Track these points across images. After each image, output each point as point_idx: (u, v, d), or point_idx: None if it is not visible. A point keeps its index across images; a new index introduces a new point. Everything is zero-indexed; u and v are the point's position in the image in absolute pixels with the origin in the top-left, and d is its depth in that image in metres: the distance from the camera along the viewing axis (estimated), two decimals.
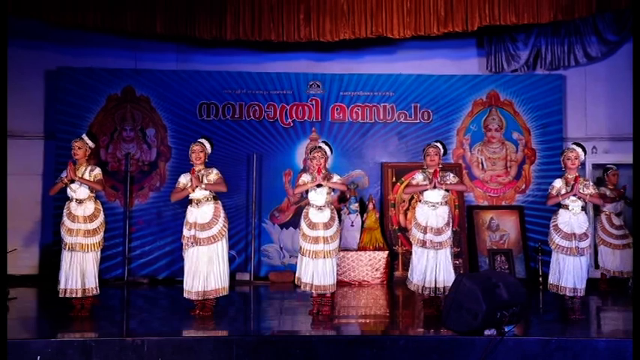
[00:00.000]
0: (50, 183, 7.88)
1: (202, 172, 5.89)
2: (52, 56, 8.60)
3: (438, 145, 6.08)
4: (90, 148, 5.99)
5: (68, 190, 5.82)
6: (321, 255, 5.80)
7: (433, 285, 5.83)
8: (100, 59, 8.65)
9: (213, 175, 5.89)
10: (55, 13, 7.46)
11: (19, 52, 8.49)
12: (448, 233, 5.90)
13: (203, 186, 5.80)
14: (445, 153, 6.17)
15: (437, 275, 5.84)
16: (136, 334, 5.06)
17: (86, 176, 5.82)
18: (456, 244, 7.95)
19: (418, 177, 6.04)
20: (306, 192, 5.96)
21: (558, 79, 8.80)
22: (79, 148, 5.88)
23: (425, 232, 5.87)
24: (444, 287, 5.78)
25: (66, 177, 5.79)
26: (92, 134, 6.25)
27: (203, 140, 5.99)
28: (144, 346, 4.69)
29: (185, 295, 5.82)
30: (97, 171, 5.89)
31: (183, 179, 5.91)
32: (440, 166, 6.00)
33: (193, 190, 5.80)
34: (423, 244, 5.87)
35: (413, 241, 6.01)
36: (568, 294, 5.74)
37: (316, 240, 5.81)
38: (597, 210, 7.86)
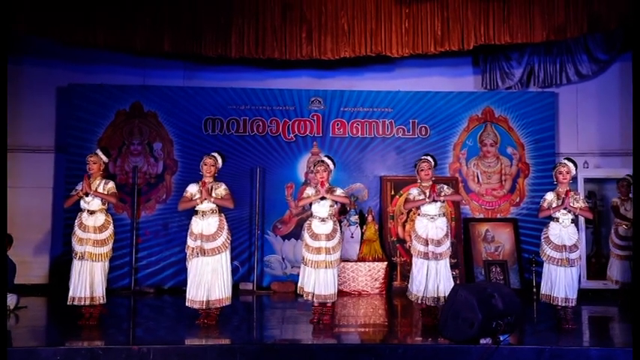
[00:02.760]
0: (61, 196, 8.07)
1: (212, 184, 5.98)
2: (64, 73, 8.73)
3: (429, 158, 6.13)
4: (104, 162, 6.12)
5: (81, 201, 5.95)
6: (323, 265, 5.90)
7: (435, 295, 5.88)
8: (109, 76, 8.77)
9: (222, 190, 5.98)
10: (66, 33, 7.62)
11: (32, 70, 8.72)
12: (447, 244, 5.99)
13: (212, 199, 5.90)
14: (436, 165, 6.22)
15: (438, 285, 5.89)
16: (142, 342, 5.13)
17: (100, 189, 5.96)
18: (453, 255, 7.89)
19: (413, 192, 6.11)
20: (309, 204, 6.08)
21: (551, 96, 8.93)
22: (94, 163, 6.01)
23: (426, 244, 5.93)
24: (445, 297, 5.79)
25: (81, 190, 5.92)
26: (106, 149, 6.37)
27: (216, 154, 6.08)
28: (150, 354, 4.80)
29: (188, 303, 5.90)
30: (111, 185, 6.04)
31: (192, 189, 5.99)
32: (433, 179, 6.08)
33: (201, 202, 5.90)
34: (425, 255, 5.93)
35: (414, 253, 6.04)
36: (560, 304, 5.83)
37: (318, 250, 5.91)
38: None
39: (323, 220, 5.97)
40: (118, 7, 7.67)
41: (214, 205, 5.94)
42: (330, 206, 6.01)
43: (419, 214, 6.12)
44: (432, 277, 5.91)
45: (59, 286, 7.38)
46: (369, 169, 8.85)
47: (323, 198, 5.94)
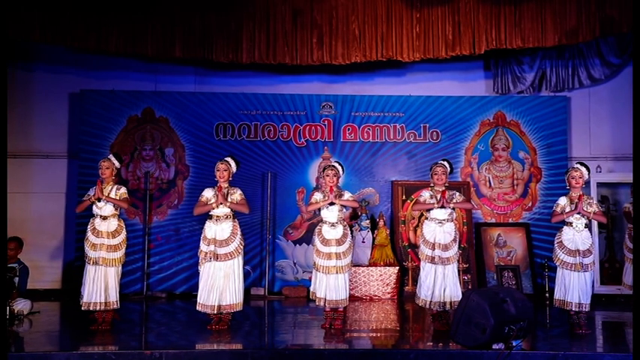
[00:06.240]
0: (73, 201, 8.14)
1: (227, 189, 6.00)
2: (76, 79, 8.78)
3: (445, 164, 6.13)
4: (116, 168, 6.14)
5: (94, 207, 5.98)
6: (334, 270, 5.89)
7: (441, 300, 5.88)
8: (121, 82, 8.82)
9: (237, 195, 6.00)
10: (79, 40, 7.68)
11: (45, 76, 8.80)
12: (455, 249, 5.96)
13: (227, 204, 5.92)
14: (452, 171, 6.24)
15: (444, 290, 5.89)
16: (154, 347, 5.14)
17: (112, 194, 5.99)
18: (465, 260, 8.06)
19: (425, 195, 6.11)
20: (319, 209, 6.07)
21: (563, 100, 8.89)
22: (107, 168, 6.03)
23: (433, 249, 5.92)
24: (450, 302, 5.83)
25: (94, 195, 5.96)
26: (118, 155, 6.40)
27: (229, 159, 6.10)
28: (162, 359, 4.82)
29: (198, 307, 5.93)
30: (123, 190, 6.07)
31: (207, 193, 6.01)
32: (446, 184, 6.07)
33: (217, 207, 5.92)
34: (432, 260, 5.92)
35: (422, 258, 6.04)
36: (574, 309, 5.81)
37: (329, 256, 5.91)
38: None
39: (333, 225, 5.98)
40: (129, 14, 7.71)
41: (229, 210, 5.96)
42: (340, 211, 6.01)
43: (427, 218, 6.12)
44: (439, 282, 5.90)
45: (72, 291, 7.41)
46: (380, 173, 8.85)
47: (332, 203, 5.94)
